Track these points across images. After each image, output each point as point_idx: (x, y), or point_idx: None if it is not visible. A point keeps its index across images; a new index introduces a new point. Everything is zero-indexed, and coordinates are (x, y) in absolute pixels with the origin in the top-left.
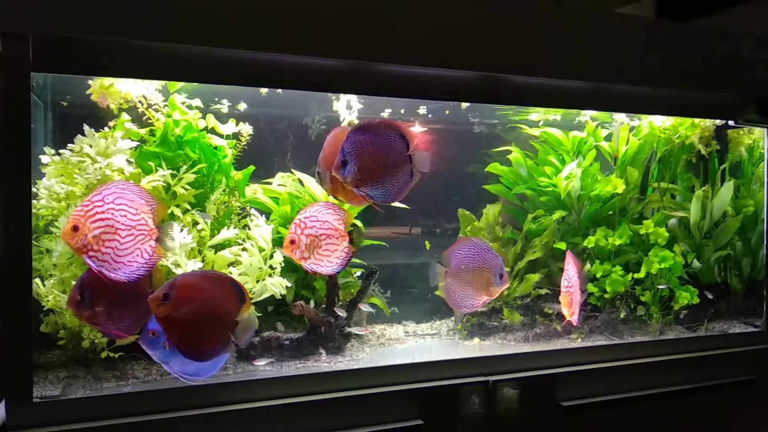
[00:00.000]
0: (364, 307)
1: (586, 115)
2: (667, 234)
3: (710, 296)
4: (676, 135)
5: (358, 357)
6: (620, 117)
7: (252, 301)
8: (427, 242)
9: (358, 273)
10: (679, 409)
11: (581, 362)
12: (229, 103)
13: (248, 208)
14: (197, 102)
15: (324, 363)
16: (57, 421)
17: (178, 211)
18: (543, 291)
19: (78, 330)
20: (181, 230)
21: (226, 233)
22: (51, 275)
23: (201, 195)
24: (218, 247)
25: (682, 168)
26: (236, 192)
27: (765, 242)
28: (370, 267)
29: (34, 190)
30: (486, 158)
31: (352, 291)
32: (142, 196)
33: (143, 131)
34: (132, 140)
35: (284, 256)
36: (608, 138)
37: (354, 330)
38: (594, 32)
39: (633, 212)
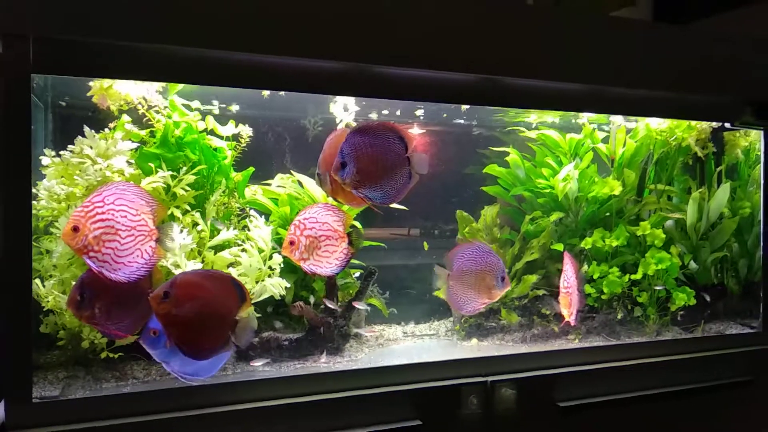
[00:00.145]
0: (360, 306)
1: (583, 117)
2: (663, 235)
3: (707, 298)
4: (672, 137)
5: (356, 357)
6: (617, 119)
7: (251, 302)
8: (425, 243)
9: (357, 274)
10: (676, 410)
11: (579, 363)
12: (222, 104)
13: (248, 209)
14: (196, 104)
15: (323, 363)
16: (56, 422)
17: (178, 212)
18: (541, 292)
19: (78, 330)
20: (181, 231)
21: (226, 234)
22: (51, 276)
23: (201, 196)
24: (218, 248)
25: (678, 170)
26: (236, 193)
27: (761, 244)
28: (368, 268)
29: (34, 191)
30: (484, 159)
31: (351, 292)
32: (143, 197)
33: (143, 132)
34: (132, 141)
35: (283, 257)
36: (605, 140)
37: (361, 331)
38: (591, 35)
39: (630, 214)
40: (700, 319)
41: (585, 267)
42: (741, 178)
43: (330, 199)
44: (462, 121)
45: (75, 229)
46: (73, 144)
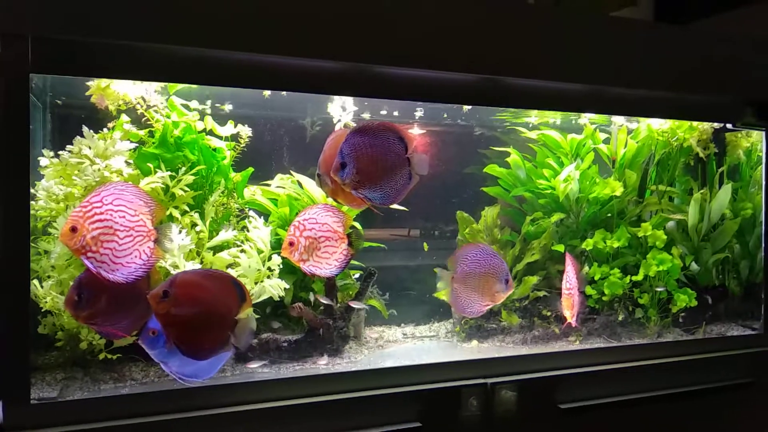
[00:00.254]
0: (356, 305)
1: (584, 117)
2: (665, 237)
3: (708, 299)
4: (674, 138)
5: (356, 359)
6: (618, 120)
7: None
8: (425, 244)
9: (357, 275)
10: (677, 412)
11: (579, 364)
12: (217, 104)
13: (246, 209)
14: (195, 104)
15: (322, 365)
16: (54, 423)
17: (176, 213)
18: (541, 293)
19: (76, 331)
20: (180, 232)
21: (225, 235)
22: (49, 276)
23: (199, 197)
24: (216, 249)
25: (680, 171)
26: (235, 194)
27: (763, 245)
28: (368, 269)
29: (32, 191)
30: (484, 159)
31: (351, 293)
32: (141, 198)
33: (142, 133)
34: (131, 142)
35: (283, 258)
36: (606, 141)
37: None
38: (591, 35)
39: (631, 215)
40: (702, 320)
41: (586, 268)
42: (743, 179)
43: (330, 200)
44: (460, 122)
45: (73, 229)
46: (72, 144)
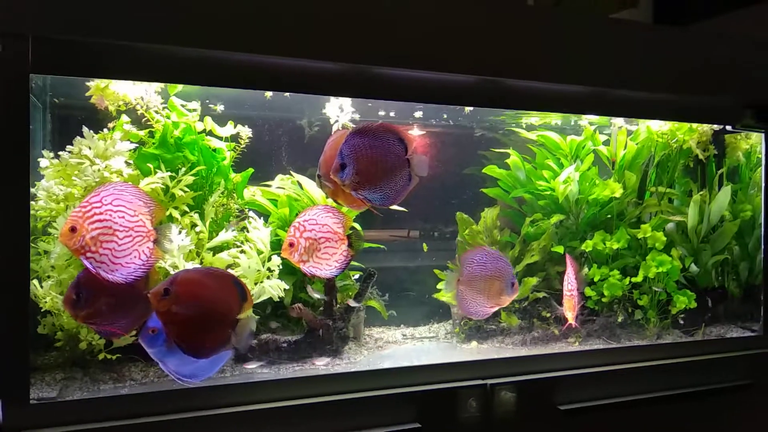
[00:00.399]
0: (353, 303)
1: (584, 119)
2: (664, 238)
3: (708, 301)
4: (673, 139)
5: (355, 360)
6: (618, 121)
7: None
8: (425, 245)
9: (357, 276)
10: (677, 413)
11: (579, 366)
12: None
13: (246, 210)
14: (194, 104)
15: (321, 366)
16: (54, 423)
17: (176, 213)
18: (541, 294)
19: (75, 332)
20: (179, 232)
21: (224, 235)
22: (49, 277)
23: (199, 197)
24: (216, 250)
25: (679, 172)
26: (235, 194)
27: (762, 247)
28: (368, 270)
29: (32, 191)
30: (484, 160)
31: (350, 294)
32: (141, 198)
33: (142, 133)
34: (131, 142)
35: (282, 259)
36: (606, 142)
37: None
38: (592, 37)
39: (631, 216)
40: (701, 322)
41: (585, 270)
42: (742, 181)
43: (330, 201)
44: (458, 122)
45: (72, 229)
46: (72, 144)
